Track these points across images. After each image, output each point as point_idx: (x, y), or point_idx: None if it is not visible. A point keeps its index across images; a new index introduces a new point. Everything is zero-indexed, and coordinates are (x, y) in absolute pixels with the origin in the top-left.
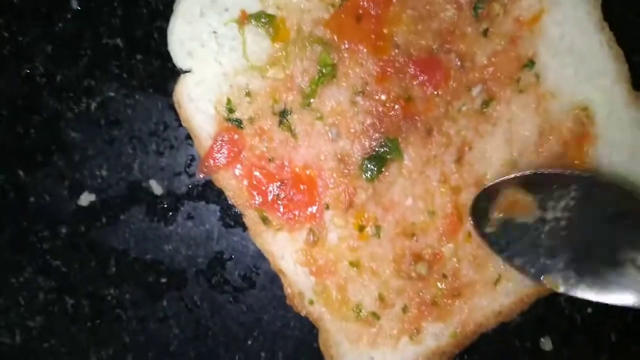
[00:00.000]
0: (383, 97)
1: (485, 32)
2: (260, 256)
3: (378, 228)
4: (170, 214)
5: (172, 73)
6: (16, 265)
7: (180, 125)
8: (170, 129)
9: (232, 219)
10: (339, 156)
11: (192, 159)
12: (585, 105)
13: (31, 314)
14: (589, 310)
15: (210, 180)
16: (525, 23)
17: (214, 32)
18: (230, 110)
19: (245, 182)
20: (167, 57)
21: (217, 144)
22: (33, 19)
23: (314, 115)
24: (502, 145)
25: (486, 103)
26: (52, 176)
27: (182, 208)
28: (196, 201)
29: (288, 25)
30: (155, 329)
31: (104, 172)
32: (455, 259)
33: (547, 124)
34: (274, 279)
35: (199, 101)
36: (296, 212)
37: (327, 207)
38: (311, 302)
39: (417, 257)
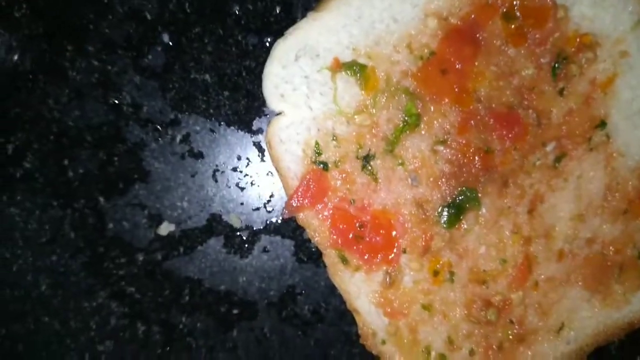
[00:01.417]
0: (463, 148)
1: (561, 92)
2: (330, 292)
3: (452, 274)
4: (247, 247)
5: (257, 111)
6: (90, 290)
7: (262, 161)
8: (252, 165)
9: (306, 254)
10: (418, 202)
11: (272, 195)
12: None
13: (101, 339)
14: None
15: (294, 218)
16: (600, 85)
17: (306, 77)
18: (318, 153)
19: (327, 222)
20: (253, 96)
21: (304, 184)
22: (123, 50)
23: (396, 161)
24: (571, 200)
25: (559, 159)
26: (132, 205)
27: (258, 242)
28: (272, 236)
29: (377, 75)
30: (224, 358)
31: (185, 204)
32: (522, 306)
33: (614, 181)
34: (343, 315)
35: (288, 143)
36: (374, 254)
37: (404, 251)
38: (383, 342)
39: (487, 304)
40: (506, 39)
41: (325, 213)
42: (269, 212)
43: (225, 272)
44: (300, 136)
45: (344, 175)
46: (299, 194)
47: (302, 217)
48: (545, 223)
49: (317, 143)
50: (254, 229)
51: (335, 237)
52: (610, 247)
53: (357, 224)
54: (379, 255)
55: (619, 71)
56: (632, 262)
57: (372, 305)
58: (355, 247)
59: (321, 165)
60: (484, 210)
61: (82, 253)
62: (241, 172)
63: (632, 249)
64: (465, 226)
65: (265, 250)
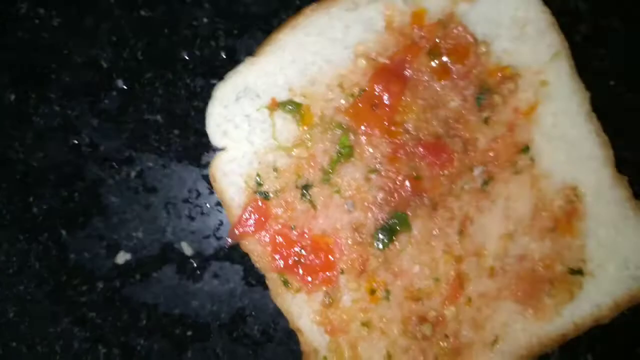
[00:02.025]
0: (394, 175)
1: (486, 120)
2: (278, 313)
3: (388, 292)
4: (198, 272)
5: (205, 147)
6: (54, 316)
7: (211, 193)
8: (202, 196)
9: (254, 278)
10: (354, 226)
11: (221, 223)
12: (575, 185)
13: None
14: None
15: (236, 244)
16: (523, 113)
17: (247, 115)
18: (259, 184)
19: (269, 248)
20: (201, 133)
21: (246, 213)
22: (82, 95)
23: (332, 189)
24: (500, 220)
25: (486, 182)
26: (91, 236)
27: (209, 267)
28: (222, 262)
29: (312, 112)
30: None
31: (140, 234)
32: (456, 321)
33: (540, 201)
34: (291, 335)
35: (231, 175)
36: (314, 276)
37: (342, 272)
38: (325, 359)
39: (422, 319)
40: (432, 74)
41: (267, 239)
42: (219, 239)
43: (179, 296)
44: (243, 169)
45: (284, 203)
46: (242, 222)
47: (246, 244)
48: (475, 242)
49: (258, 175)
50: (205, 255)
51: (276, 261)
52: (540, 263)
53: (298, 249)
54: (319, 277)
55: (540, 99)
56: (562, 276)
57: (314, 324)
58: (295, 270)
59: (262, 195)
60: (415, 232)
61: (47, 282)
62: (191, 203)
63: (562, 265)
64: (398, 247)
65: (215, 275)
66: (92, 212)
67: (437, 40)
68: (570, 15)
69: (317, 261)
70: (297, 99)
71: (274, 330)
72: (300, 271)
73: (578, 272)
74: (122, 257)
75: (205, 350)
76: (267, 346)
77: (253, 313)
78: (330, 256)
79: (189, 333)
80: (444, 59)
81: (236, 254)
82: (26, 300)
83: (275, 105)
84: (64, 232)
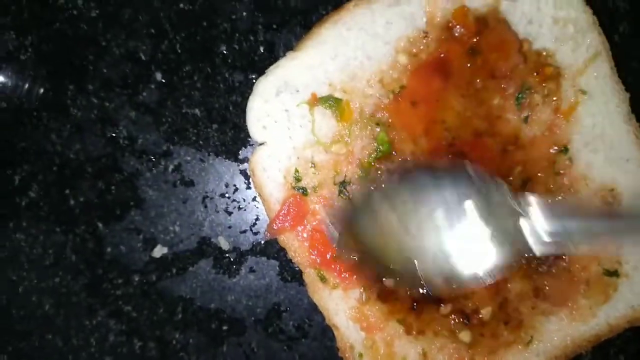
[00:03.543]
0: None
1: (526, 119)
2: (313, 309)
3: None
4: (235, 267)
5: (243, 142)
6: (90, 309)
7: (248, 188)
8: (239, 191)
9: (290, 274)
10: None
11: (257, 219)
12: (613, 187)
13: (101, 355)
14: None
15: (276, 240)
16: (562, 113)
17: (287, 110)
18: (297, 180)
19: (307, 243)
20: (239, 128)
21: (284, 208)
22: (120, 88)
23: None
24: None
25: (525, 182)
26: (128, 229)
27: (245, 262)
28: (258, 257)
29: (352, 108)
30: None
31: (177, 228)
32: (492, 321)
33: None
34: (325, 331)
35: (270, 170)
36: (351, 273)
37: (379, 269)
38: (360, 356)
39: (462, 324)
40: (473, 72)
41: (305, 235)
42: (255, 234)
43: (214, 291)
44: (281, 164)
45: (322, 199)
46: (280, 217)
47: (283, 239)
48: None
49: (296, 170)
50: (241, 250)
51: (313, 257)
52: (576, 264)
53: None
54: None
55: (580, 99)
56: (597, 277)
57: (350, 320)
58: (333, 266)
59: (301, 191)
60: None
61: (83, 275)
62: (229, 198)
63: (597, 266)
64: None
65: (251, 270)
66: (129, 205)
67: (479, 37)
68: (610, 14)
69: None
70: (337, 94)
71: (309, 326)
72: (337, 267)
73: (613, 273)
74: (159, 251)
75: (240, 345)
76: (301, 342)
77: (288, 309)
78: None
79: (225, 327)
80: (486, 56)
81: (272, 250)
82: (62, 293)
83: (316, 101)
84: (100, 225)
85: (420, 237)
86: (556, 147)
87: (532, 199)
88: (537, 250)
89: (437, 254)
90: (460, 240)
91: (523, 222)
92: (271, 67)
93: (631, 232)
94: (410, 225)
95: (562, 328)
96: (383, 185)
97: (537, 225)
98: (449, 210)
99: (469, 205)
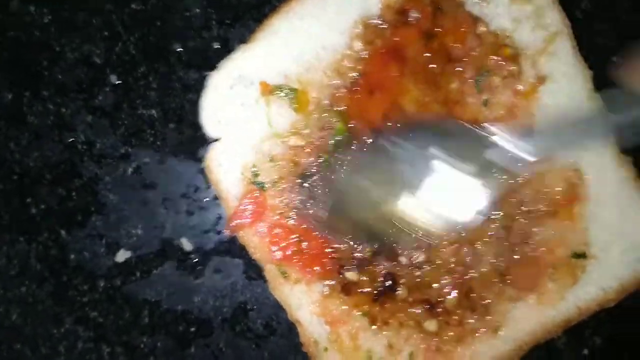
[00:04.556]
0: None
1: (486, 102)
2: (280, 306)
3: (388, 280)
4: (199, 268)
5: (202, 141)
6: (57, 317)
7: (209, 187)
8: (200, 191)
9: (255, 272)
10: None
11: (220, 218)
12: (577, 167)
13: None
14: (585, 351)
15: (236, 237)
16: (523, 94)
17: (242, 104)
18: (255, 175)
19: (267, 239)
20: (197, 126)
21: (243, 204)
22: (75, 92)
23: (330, 177)
24: (501, 205)
25: None
26: (91, 235)
27: (209, 263)
28: (222, 256)
29: (308, 98)
30: None
31: (139, 231)
32: (458, 308)
33: (541, 185)
34: (293, 328)
35: (227, 166)
36: (312, 267)
37: (342, 262)
38: (325, 350)
39: (427, 313)
40: (430, 56)
41: (265, 230)
42: (218, 233)
43: (180, 292)
44: (238, 159)
45: (281, 193)
46: (238, 213)
47: (243, 236)
48: (475, 229)
49: (254, 165)
50: (205, 250)
51: (274, 252)
52: (543, 248)
53: (296, 239)
54: (317, 268)
55: (540, 80)
56: (565, 260)
57: (313, 315)
58: (294, 261)
59: (259, 186)
60: None
61: (48, 283)
62: (190, 198)
63: (564, 249)
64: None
65: (216, 270)
66: (91, 210)
67: (434, 21)
68: None
69: (315, 252)
70: (293, 85)
71: (277, 324)
72: (299, 262)
73: (581, 255)
74: (122, 255)
75: (208, 346)
76: (270, 339)
77: (255, 307)
78: (329, 247)
79: (192, 329)
80: (441, 40)
81: (236, 248)
82: (29, 302)
83: (268, 90)
84: (63, 232)
85: (405, 197)
86: None
87: (494, 128)
88: (516, 170)
89: (427, 205)
90: (444, 187)
91: (494, 150)
92: (223, 61)
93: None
94: (391, 190)
95: (531, 313)
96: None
97: (508, 148)
98: (420, 162)
99: (435, 151)
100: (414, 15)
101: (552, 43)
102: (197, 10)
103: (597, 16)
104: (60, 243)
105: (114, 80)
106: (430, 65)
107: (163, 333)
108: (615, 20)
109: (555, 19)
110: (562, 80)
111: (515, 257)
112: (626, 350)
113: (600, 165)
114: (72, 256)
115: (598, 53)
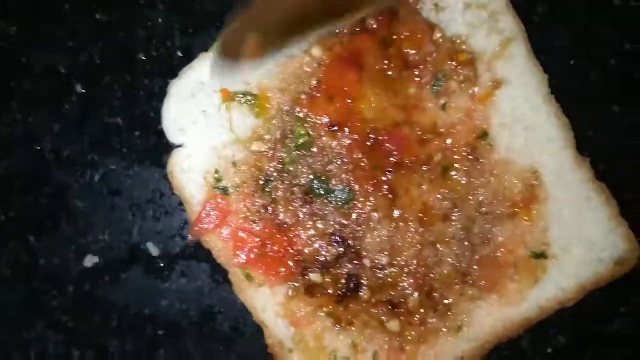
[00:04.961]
0: (354, 165)
1: (444, 107)
2: (247, 309)
3: (351, 282)
4: (166, 272)
5: (167, 147)
6: (28, 321)
7: (174, 193)
8: (165, 197)
9: (221, 275)
10: (316, 217)
11: (185, 223)
12: (535, 169)
13: None
14: (549, 350)
15: (201, 242)
16: (479, 98)
17: (204, 111)
18: (218, 180)
19: (230, 243)
20: (162, 134)
21: (206, 209)
22: (42, 102)
23: (292, 181)
24: (460, 207)
25: (446, 169)
26: (60, 241)
27: (176, 267)
28: (189, 260)
29: (269, 104)
30: None
31: (106, 237)
32: (420, 308)
33: (501, 186)
34: (261, 330)
35: (189, 172)
36: (276, 269)
37: (305, 263)
38: (290, 351)
39: (390, 313)
40: (388, 62)
41: (228, 235)
42: (184, 238)
43: (148, 296)
44: (201, 165)
45: (244, 198)
46: (201, 219)
47: (207, 240)
48: (435, 229)
49: (216, 170)
50: (171, 255)
51: (238, 256)
52: (502, 248)
53: (259, 242)
54: (279, 270)
55: (496, 84)
56: (525, 260)
57: (278, 317)
58: (258, 265)
59: (222, 191)
60: (376, 221)
61: (18, 288)
62: (156, 203)
63: (524, 249)
64: (360, 234)
65: (183, 274)
66: (59, 216)
67: (390, 28)
68: None
69: (279, 254)
70: (253, 92)
71: (244, 326)
72: (262, 265)
73: (541, 255)
74: (90, 260)
75: (177, 349)
76: (237, 341)
77: (222, 310)
78: (292, 249)
79: (160, 332)
80: (398, 46)
81: (202, 252)
82: (0, 307)
83: (229, 97)
84: (32, 238)
85: None
86: (475, 133)
87: None
88: None
89: None
90: None
91: None
92: (184, 69)
93: None
94: None
95: (492, 313)
96: None
97: None
98: None
99: None
100: (371, 22)
101: (507, 47)
102: (160, 20)
103: (553, 20)
104: (29, 249)
105: (80, 89)
106: (388, 71)
107: (132, 336)
108: (570, 23)
109: (509, 23)
110: (518, 84)
111: (476, 257)
112: (589, 349)
113: (558, 167)
114: (42, 262)
115: (555, 55)
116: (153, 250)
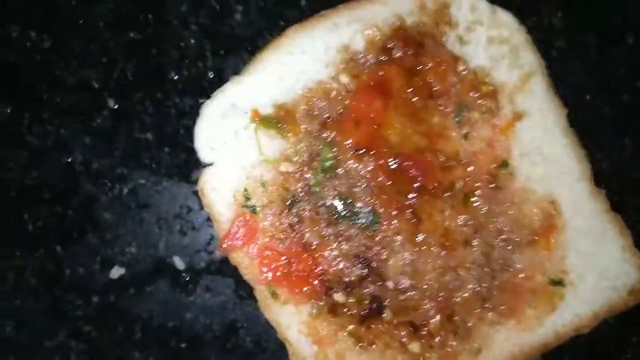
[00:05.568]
0: (378, 189)
1: (466, 136)
2: (270, 325)
3: (374, 303)
4: (191, 286)
5: (196, 164)
6: (51, 330)
7: (202, 208)
8: (193, 212)
9: (245, 291)
10: (340, 238)
11: (211, 238)
12: (553, 199)
13: None
14: None
15: (227, 257)
16: (501, 129)
17: (235, 132)
18: (247, 199)
19: (257, 261)
20: (191, 150)
21: (234, 227)
22: (74, 115)
23: (318, 202)
24: (481, 234)
25: (467, 197)
26: (86, 252)
27: (201, 281)
28: (214, 275)
29: (298, 127)
30: None
31: (133, 249)
32: (442, 332)
33: (520, 215)
34: (283, 346)
35: (219, 190)
36: (301, 288)
37: (330, 284)
38: None
39: (411, 335)
40: (412, 92)
41: (255, 252)
42: (210, 253)
43: (172, 309)
44: (231, 184)
45: (271, 217)
46: (230, 236)
47: (234, 257)
48: (457, 255)
49: (245, 189)
50: (197, 269)
51: (264, 274)
52: (522, 275)
53: (285, 261)
54: (306, 289)
55: (517, 116)
56: (543, 287)
57: (302, 334)
58: (283, 282)
59: (250, 209)
60: (399, 245)
61: (43, 297)
62: (183, 218)
63: (542, 276)
64: (384, 258)
65: (207, 288)
66: (86, 228)
67: (416, 59)
68: (545, 31)
69: (304, 273)
70: (283, 115)
71: (266, 342)
72: (288, 283)
73: (559, 282)
74: (116, 272)
75: None
76: (259, 357)
77: (245, 325)
78: (317, 269)
79: (183, 345)
80: (423, 77)
81: (227, 268)
82: (23, 316)
83: (259, 119)
84: (58, 248)
85: None
86: (496, 162)
87: None
88: None
89: None
90: None
91: None
92: (217, 91)
93: None
94: None
95: (510, 337)
96: None
97: None
98: None
99: None
100: (397, 52)
101: (527, 81)
102: (192, 41)
103: (570, 55)
104: (55, 259)
105: (112, 104)
106: (413, 100)
107: (155, 348)
108: (588, 58)
109: (530, 58)
110: (537, 117)
111: (496, 282)
112: None
113: (575, 197)
114: (67, 272)
115: (573, 90)
116: (179, 264)
